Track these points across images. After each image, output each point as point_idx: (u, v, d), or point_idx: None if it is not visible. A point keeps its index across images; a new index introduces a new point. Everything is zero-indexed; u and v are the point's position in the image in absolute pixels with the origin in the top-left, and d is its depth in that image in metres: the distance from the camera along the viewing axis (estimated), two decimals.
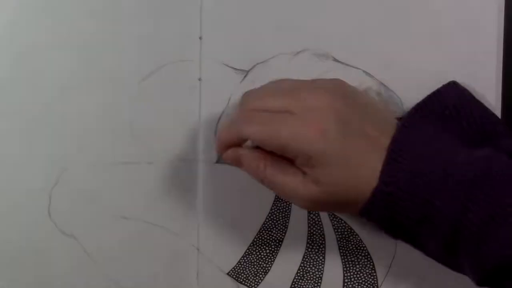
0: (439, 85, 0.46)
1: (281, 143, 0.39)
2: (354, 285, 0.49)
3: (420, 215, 0.38)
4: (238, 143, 0.42)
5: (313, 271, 0.49)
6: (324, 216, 0.49)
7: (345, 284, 0.49)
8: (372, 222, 0.40)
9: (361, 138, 0.39)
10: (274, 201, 0.48)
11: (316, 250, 0.49)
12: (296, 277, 0.49)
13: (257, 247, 0.49)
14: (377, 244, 0.48)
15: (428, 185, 0.37)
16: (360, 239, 0.48)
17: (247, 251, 0.49)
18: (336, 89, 0.40)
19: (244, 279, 0.49)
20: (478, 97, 0.45)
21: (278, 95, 0.40)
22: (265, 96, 0.41)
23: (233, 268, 0.49)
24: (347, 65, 0.48)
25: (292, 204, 0.48)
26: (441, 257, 0.40)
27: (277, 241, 0.49)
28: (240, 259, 0.49)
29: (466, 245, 0.37)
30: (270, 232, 0.49)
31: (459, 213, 0.37)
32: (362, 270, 0.49)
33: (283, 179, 0.40)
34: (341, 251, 0.49)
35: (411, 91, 0.47)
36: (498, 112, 0.48)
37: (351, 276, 0.49)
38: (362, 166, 0.38)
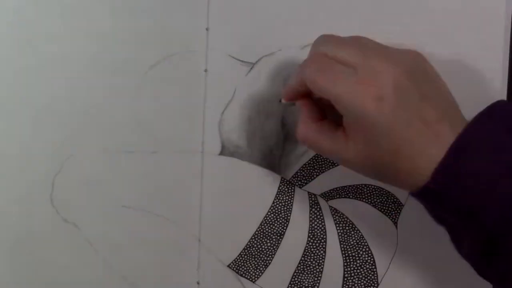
0: None
1: (334, 94, 0.38)
2: (354, 280, 0.49)
3: (463, 219, 0.37)
4: (301, 87, 0.41)
5: (314, 265, 0.49)
6: (326, 211, 0.49)
7: (345, 279, 0.49)
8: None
9: (416, 118, 0.37)
10: (277, 194, 0.48)
11: (317, 245, 0.49)
12: (297, 271, 0.49)
13: (259, 240, 0.49)
14: (378, 240, 0.49)
15: (477, 197, 0.36)
16: (362, 235, 0.49)
17: (248, 243, 0.49)
18: (408, 62, 0.39)
19: (245, 272, 0.49)
20: (483, 93, 0.45)
21: (352, 49, 0.39)
22: (340, 46, 0.40)
23: (234, 260, 0.49)
24: None
25: (294, 198, 0.49)
26: (474, 259, 0.39)
27: (279, 234, 0.49)
28: (241, 251, 0.49)
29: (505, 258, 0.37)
30: (271, 226, 0.49)
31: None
32: (362, 266, 0.49)
33: (325, 136, 0.41)
34: (342, 246, 0.49)
35: None
36: None
37: (352, 271, 0.49)
38: (413, 151, 0.37)
